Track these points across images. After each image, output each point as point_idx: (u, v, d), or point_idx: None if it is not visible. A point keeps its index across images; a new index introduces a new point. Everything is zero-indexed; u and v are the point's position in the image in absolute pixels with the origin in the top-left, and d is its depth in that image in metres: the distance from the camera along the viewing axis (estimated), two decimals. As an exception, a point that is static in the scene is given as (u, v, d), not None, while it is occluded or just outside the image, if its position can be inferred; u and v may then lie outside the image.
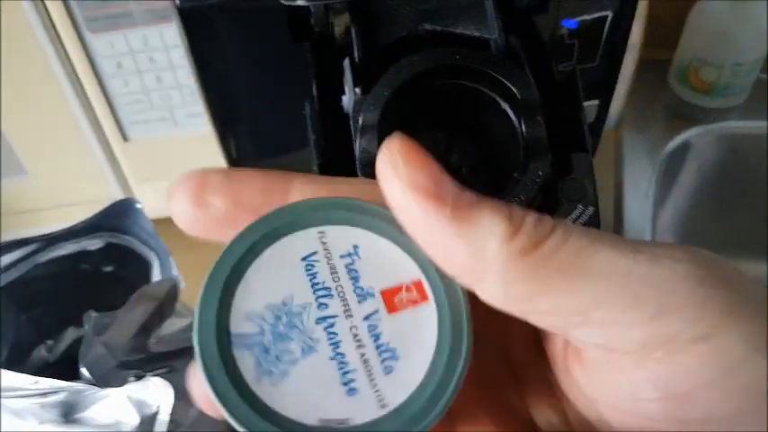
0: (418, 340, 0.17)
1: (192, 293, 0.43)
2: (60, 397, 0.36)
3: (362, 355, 0.17)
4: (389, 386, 0.17)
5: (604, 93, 0.37)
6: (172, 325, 0.41)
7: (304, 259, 0.17)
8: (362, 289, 0.17)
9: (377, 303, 0.17)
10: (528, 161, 0.27)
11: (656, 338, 0.15)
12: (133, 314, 0.36)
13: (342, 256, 0.17)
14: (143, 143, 0.54)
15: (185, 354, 0.40)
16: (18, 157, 0.55)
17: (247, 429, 0.16)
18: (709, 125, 0.71)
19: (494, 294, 0.16)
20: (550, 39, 0.34)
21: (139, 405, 0.37)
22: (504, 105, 0.28)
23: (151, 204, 0.58)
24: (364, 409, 0.16)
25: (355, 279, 0.17)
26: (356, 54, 0.30)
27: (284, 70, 0.35)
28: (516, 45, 0.30)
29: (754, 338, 0.15)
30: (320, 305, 0.17)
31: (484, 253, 0.16)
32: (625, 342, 0.16)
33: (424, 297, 0.17)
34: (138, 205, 0.39)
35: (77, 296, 0.45)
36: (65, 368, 0.41)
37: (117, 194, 0.57)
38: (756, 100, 0.71)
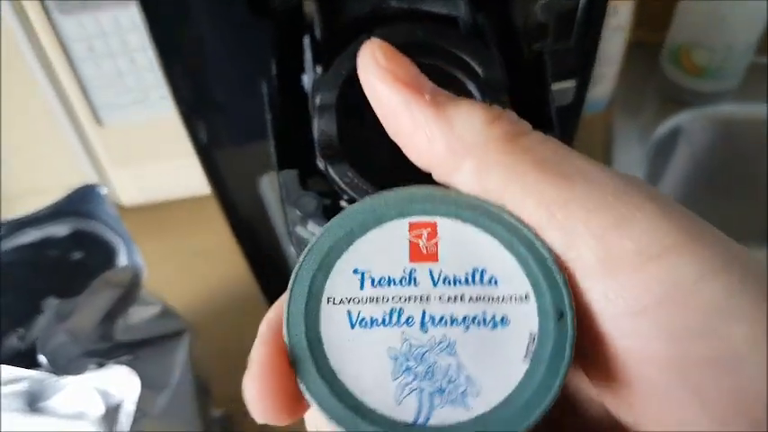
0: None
1: (157, 281, 0.42)
2: (23, 386, 0.36)
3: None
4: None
5: (582, 73, 0.36)
6: (139, 314, 0.40)
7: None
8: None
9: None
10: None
11: (615, 251, 0.15)
12: (96, 301, 0.35)
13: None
14: (118, 127, 0.53)
15: (152, 343, 0.40)
16: (-9, 143, 0.54)
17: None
18: (702, 109, 0.70)
19: (470, 183, 0.17)
20: (524, 18, 0.33)
21: (105, 395, 0.36)
22: (469, 84, 0.27)
23: (127, 189, 0.57)
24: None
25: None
26: (317, 31, 0.28)
27: (252, 52, 0.34)
28: (484, 23, 0.29)
29: (713, 259, 0.15)
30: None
31: (464, 136, 0.16)
32: (584, 249, 0.15)
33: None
34: (102, 191, 0.38)
35: (47, 284, 0.44)
36: (37, 356, 0.40)
37: (93, 180, 0.56)
38: (750, 83, 0.70)
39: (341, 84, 0.26)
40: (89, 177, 0.56)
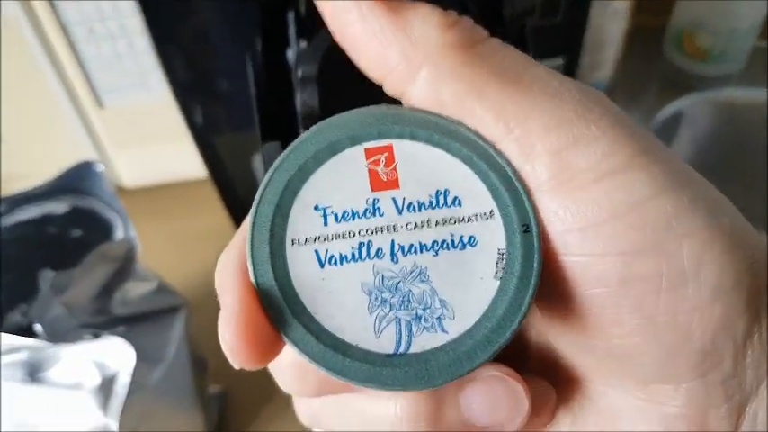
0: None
1: (154, 259, 0.43)
2: (23, 356, 0.36)
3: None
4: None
5: (570, 51, 0.36)
6: (136, 289, 0.41)
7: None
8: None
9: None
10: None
11: (569, 169, 0.15)
12: (92, 274, 0.36)
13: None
14: (118, 109, 0.54)
15: (148, 317, 0.40)
16: (-5, 125, 0.55)
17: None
18: (704, 93, 0.69)
19: (425, 94, 0.16)
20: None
21: (100, 366, 0.37)
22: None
23: (128, 171, 0.58)
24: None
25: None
26: (301, 6, 0.29)
27: (243, 33, 0.34)
28: (467, -2, 0.29)
29: (663, 177, 0.15)
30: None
31: (419, 41, 0.16)
32: (539, 165, 0.15)
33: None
34: (99, 168, 0.39)
35: (46, 260, 0.45)
36: (34, 327, 0.41)
37: (95, 162, 0.57)
38: (754, 68, 0.69)
39: (322, 56, 0.27)
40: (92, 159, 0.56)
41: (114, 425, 0.37)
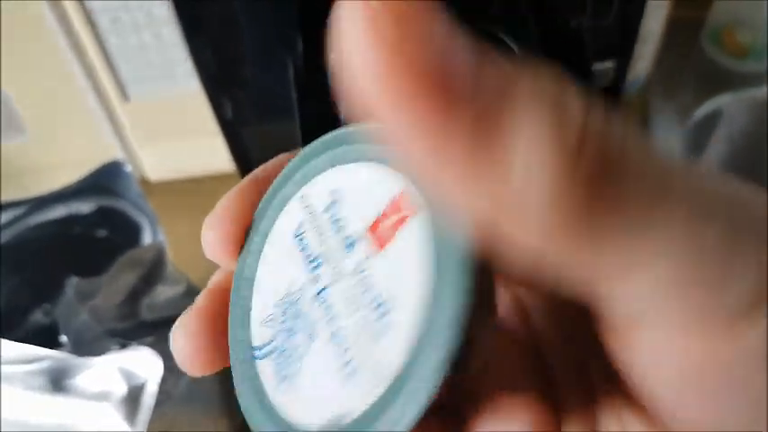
0: (411, 275, 0.13)
1: (184, 261, 0.42)
2: (45, 365, 0.36)
3: (360, 319, 0.14)
4: (385, 353, 0.13)
5: (621, 53, 0.34)
6: (164, 293, 0.40)
7: (296, 236, 0.15)
8: (350, 237, 0.14)
9: (366, 246, 0.14)
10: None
11: (718, 309, 0.11)
12: (120, 280, 0.35)
13: (325, 211, 0.15)
14: (144, 103, 0.53)
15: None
16: (19, 118, 0.53)
17: None
18: (743, 91, 0.67)
19: (527, 245, 0.11)
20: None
21: (128, 375, 0.36)
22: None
23: (153, 165, 0.57)
24: (362, 395, 0.13)
25: (341, 229, 0.14)
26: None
27: (278, 27, 0.33)
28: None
29: None
30: (314, 280, 0.14)
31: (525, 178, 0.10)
32: (680, 311, 0.11)
33: (409, 211, 0.13)
34: (128, 168, 0.37)
35: (72, 260, 0.44)
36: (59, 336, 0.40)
37: (119, 155, 0.56)
38: (794, 65, 0.67)
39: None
40: (115, 152, 0.55)
41: (141, 436, 0.36)
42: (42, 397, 0.37)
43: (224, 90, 0.37)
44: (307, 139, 0.28)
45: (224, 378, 0.45)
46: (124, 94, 0.52)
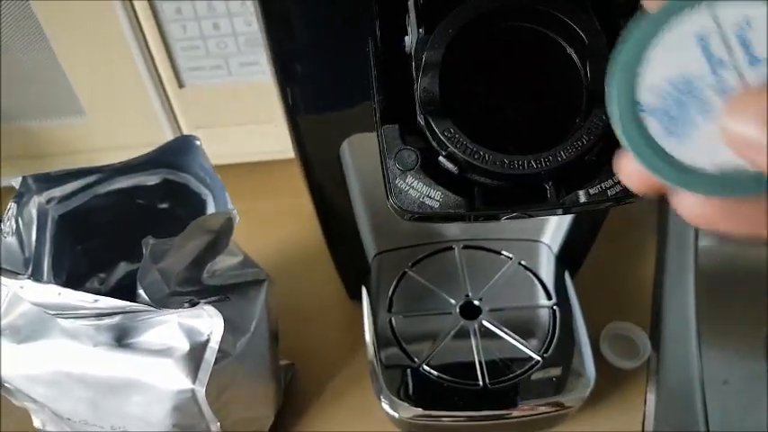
0: None
1: (243, 237, 0.44)
2: (115, 320, 0.38)
3: None
4: None
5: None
6: (223, 261, 0.42)
7: (698, 37, 0.19)
8: (758, 57, 0.18)
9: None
10: (591, 107, 0.27)
11: None
12: (189, 244, 0.37)
13: (734, 28, 0.19)
14: (198, 90, 0.56)
15: (234, 289, 0.42)
16: (78, 99, 0.56)
17: (664, 178, 0.19)
18: None
19: None
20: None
21: (190, 332, 0.38)
22: (570, 50, 0.28)
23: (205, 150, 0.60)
24: None
25: (748, 47, 0.19)
26: (421, -7, 0.30)
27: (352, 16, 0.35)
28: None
29: None
30: (714, 73, 0.19)
31: None
32: None
33: None
34: (198, 142, 0.40)
35: (131, 231, 0.46)
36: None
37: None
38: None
39: (446, 43, 0.28)
40: (168, 137, 0.58)
41: (201, 391, 0.38)
42: (108, 352, 0.39)
43: (294, 76, 0.38)
44: (384, 118, 0.30)
45: (271, 340, 0.47)
46: (179, 81, 0.55)
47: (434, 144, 0.28)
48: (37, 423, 0.50)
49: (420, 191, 0.29)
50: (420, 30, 0.29)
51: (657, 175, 0.19)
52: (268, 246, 0.47)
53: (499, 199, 0.29)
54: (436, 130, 0.27)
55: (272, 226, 0.58)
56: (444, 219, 0.29)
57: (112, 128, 0.58)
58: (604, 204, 0.29)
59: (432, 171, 0.29)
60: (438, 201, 0.29)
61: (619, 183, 0.28)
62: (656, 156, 0.19)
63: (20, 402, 0.46)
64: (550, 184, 0.28)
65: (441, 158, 0.28)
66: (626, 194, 0.28)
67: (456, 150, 0.27)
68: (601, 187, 0.28)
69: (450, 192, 0.28)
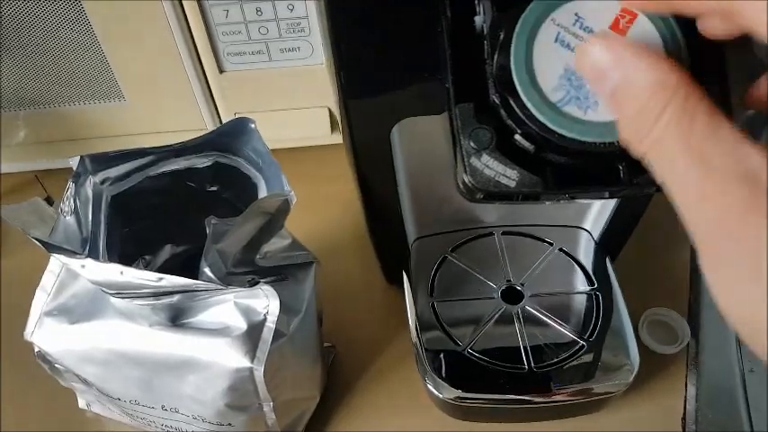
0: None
1: (291, 222, 0.44)
2: (173, 300, 0.38)
3: None
4: None
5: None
6: (274, 244, 0.43)
7: (556, 41, 0.27)
8: (590, 29, 0.27)
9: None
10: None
11: None
12: (246, 226, 0.38)
13: (575, 24, 0.27)
14: (237, 76, 0.56)
15: (287, 271, 0.42)
16: (118, 83, 0.56)
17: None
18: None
19: None
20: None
21: (247, 312, 0.39)
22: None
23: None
24: None
25: (586, 29, 0.27)
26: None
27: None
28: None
29: None
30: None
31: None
32: None
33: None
34: (252, 125, 0.40)
35: (179, 213, 0.46)
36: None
37: (209, 124, 0.59)
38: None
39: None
40: (206, 122, 0.58)
41: (260, 370, 0.38)
42: (164, 332, 0.39)
43: (351, 60, 0.37)
44: (458, 97, 0.31)
45: (318, 323, 0.47)
46: (219, 66, 0.56)
47: (510, 122, 0.29)
48: (82, 404, 0.51)
49: (496, 169, 0.29)
50: (494, 8, 0.29)
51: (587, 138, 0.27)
52: (305, 231, 0.47)
53: (573, 179, 0.29)
54: (515, 108, 0.28)
55: (309, 212, 0.58)
56: (519, 197, 0.29)
57: (152, 113, 0.58)
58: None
59: (506, 150, 0.29)
60: (514, 180, 0.29)
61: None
62: (585, 128, 0.27)
63: (67, 383, 0.47)
64: (624, 164, 0.29)
65: (516, 137, 0.29)
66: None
67: (532, 126, 0.28)
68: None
69: (526, 171, 0.29)
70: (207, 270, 0.35)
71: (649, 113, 0.21)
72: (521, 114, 0.28)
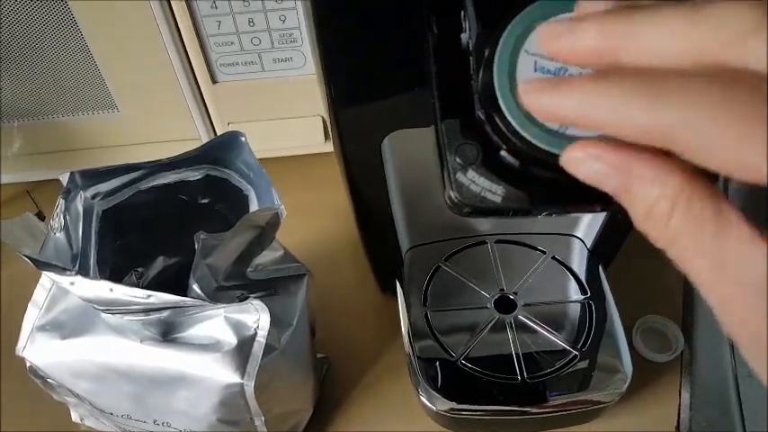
0: None
1: (284, 231, 0.44)
2: (163, 315, 0.38)
3: None
4: None
5: None
6: (265, 256, 0.42)
7: (535, 67, 0.27)
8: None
9: None
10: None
11: None
12: (236, 240, 0.38)
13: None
14: (230, 86, 0.56)
15: (278, 284, 0.42)
16: (111, 94, 0.57)
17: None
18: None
19: None
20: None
21: (237, 326, 0.39)
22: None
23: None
24: None
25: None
26: (479, -10, 0.30)
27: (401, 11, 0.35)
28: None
29: None
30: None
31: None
32: None
33: None
34: (243, 138, 0.40)
35: (171, 226, 0.46)
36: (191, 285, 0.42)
37: (202, 135, 0.59)
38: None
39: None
40: (200, 132, 0.58)
41: (250, 385, 0.38)
42: (154, 347, 0.39)
43: (341, 71, 0.38)
44: (444, 113, 0.31)
45: (311, 333, 0.47)
46: (212, 77, 0.56)
47: (495, 138, 0.28)
48: (75, 417, 0.51)
49: (482, 185, 0.29)
50: (479, 25, 0.29)
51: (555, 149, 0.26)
52: (298, 240, 0.47)
53: (560, 194, 0.29)
54: (500, 124, 0.28)
55: (302, 220, 0.58)
56: (505, 213, 0.29)
57: (146, 123, 0.58)
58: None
59: (492, 165, 0.29)
60: (500, 195, 0.29)
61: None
62: (569, 144, 0.25)
63: (60, 397, 0.47)
64: None
65: (502, 153, 0.29)
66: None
67: (518, 143, 0.28)
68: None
69: (512, 186, 0.29)
70: (195, 286, 0.35)
71: (658, 218, 0.21)
72: (505, 130, 0.28)
